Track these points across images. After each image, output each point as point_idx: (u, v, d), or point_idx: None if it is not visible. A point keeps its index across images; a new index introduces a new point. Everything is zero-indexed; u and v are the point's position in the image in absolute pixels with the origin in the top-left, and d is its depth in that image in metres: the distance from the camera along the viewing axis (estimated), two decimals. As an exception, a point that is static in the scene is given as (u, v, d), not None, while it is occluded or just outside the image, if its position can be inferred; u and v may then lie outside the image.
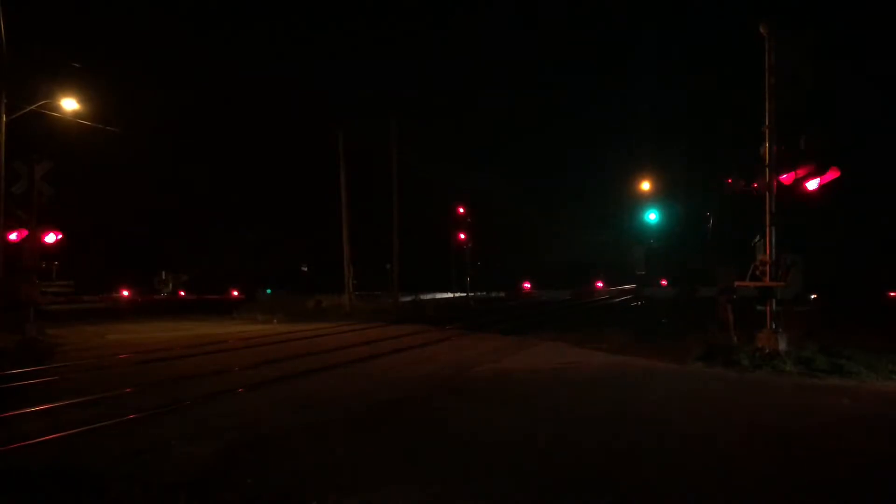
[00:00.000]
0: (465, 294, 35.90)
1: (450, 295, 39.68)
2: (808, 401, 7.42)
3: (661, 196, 24.42)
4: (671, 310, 20.28)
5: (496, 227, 53.69)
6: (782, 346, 10.31)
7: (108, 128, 18.80)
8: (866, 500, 4.35)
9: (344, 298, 28.89)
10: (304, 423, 6.59)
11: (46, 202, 16.07)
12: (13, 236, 15.59)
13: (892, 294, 26.04)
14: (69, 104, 16.75)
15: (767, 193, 10.80)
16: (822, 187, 10.54)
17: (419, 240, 42.89)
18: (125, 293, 44.19)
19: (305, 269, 53.38)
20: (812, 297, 18.85)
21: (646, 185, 23.83)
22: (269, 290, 41.83)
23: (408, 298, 34.25)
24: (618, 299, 38.63)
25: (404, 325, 20.18)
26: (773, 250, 10.75)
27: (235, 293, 42.12)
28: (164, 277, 50.71)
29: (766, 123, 10.82)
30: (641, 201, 24.24)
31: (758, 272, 10.99)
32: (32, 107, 16.31)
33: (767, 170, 10.81)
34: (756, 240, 11.13)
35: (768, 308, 10.75)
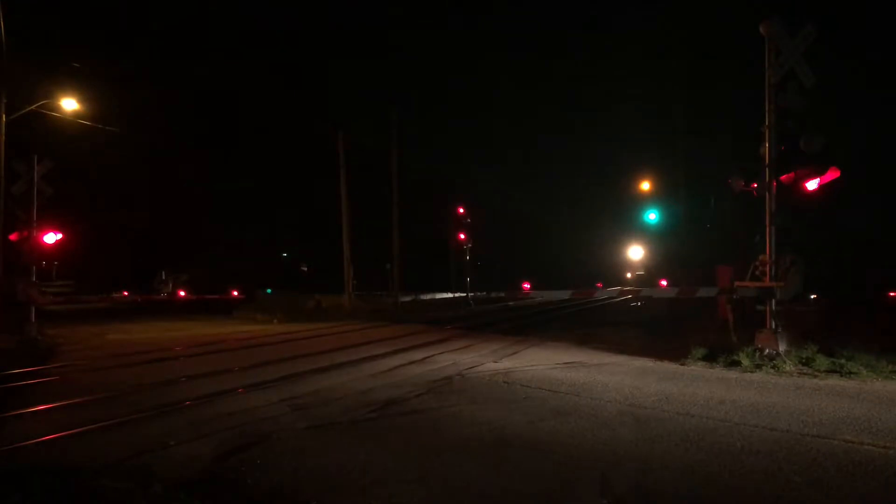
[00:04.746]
0: (465, 294, 35.91)
1: (450, 295, 39.69)
2: (807, 401, 7.41)
3: (661, 196, 24.44)
4: (671, 310, 20.27)
5: (496, 227, 53.71)
6: (782, 346, 10.31)
7: (108, 128, 18.89)
8: (872, 501, 4.34)
9: (344, 298, 28.90)
10: (304, 423, 6.58)
11: (46, 202, 16.12)
12: (13, 236, 15.63)
13: (892, 294, 26.00)
14: (69, 104, 16.80)
15: (767, 193, 10.80)
16: (822, 187, 10.55)
17: (419, 240, 42.92)
18: (125, 293, 44.11)
19: (305, 269, 53.43)
20: (812, 297, 18.87)
21: (646, 185, 23.83)
22: (269, 290, 41.79)
23: (408, 298, 34.24)
24: (618, 299, 38.61)
25: (404, 326, 20.19)
26: (773, 250, 10.75)
27: (235, 293, 42.05)
28: (163, 277, 50.64)
29: (766, 123, 10.82)
30: (641, 201, 24.25)
31: (758, 272, 10.99)
32: (32, 107, 16.35)
33: (767, 170, 10.82)
34: (756, 240, 11.13)
35: (768, 308, 10.75)
